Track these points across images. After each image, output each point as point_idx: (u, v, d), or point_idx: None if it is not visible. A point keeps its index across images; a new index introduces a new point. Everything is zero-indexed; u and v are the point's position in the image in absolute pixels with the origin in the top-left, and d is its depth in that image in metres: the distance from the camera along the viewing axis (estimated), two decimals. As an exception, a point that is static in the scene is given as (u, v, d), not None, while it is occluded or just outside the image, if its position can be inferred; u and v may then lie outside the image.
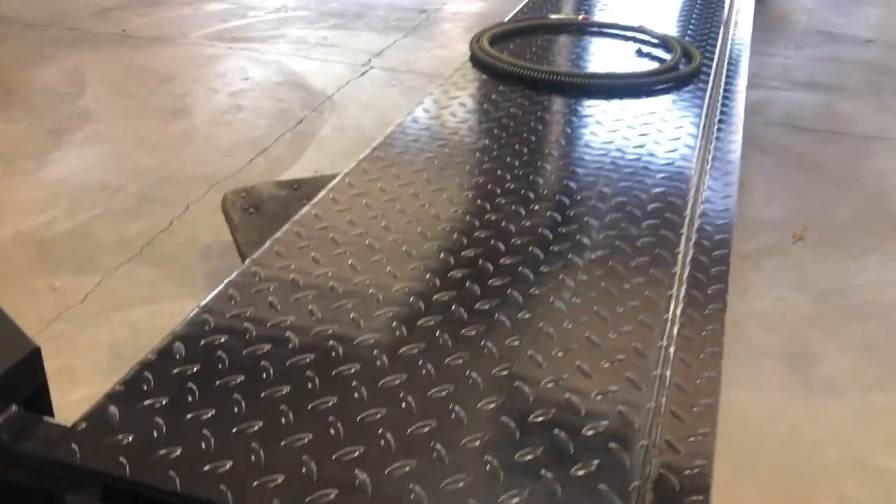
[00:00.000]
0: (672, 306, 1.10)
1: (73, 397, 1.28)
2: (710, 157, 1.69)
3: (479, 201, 1.31)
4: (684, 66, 1.94)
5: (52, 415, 0.87)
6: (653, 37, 2.11)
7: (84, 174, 2.03)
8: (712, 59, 2.06)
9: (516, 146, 1.52)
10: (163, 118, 2.37)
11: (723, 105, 2.04)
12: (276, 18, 3.44)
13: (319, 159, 2.16)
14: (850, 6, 3.95)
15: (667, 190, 1.39)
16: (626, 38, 2.16)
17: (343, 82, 2.72)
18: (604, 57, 2.04)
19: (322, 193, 1.32)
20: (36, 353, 0.86)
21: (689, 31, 2.29)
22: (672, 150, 1.56)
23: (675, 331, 1.17)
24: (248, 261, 1.14)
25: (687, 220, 1.31)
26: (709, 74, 1.97)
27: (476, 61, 1.95)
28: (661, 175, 1.44)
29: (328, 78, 2.76)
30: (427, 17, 3.54)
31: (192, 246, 1.72)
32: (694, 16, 2.48)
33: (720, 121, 2.09)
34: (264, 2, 3.69)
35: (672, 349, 1.07)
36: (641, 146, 1.56)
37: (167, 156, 2.14)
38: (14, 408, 0.83)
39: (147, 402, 0.83)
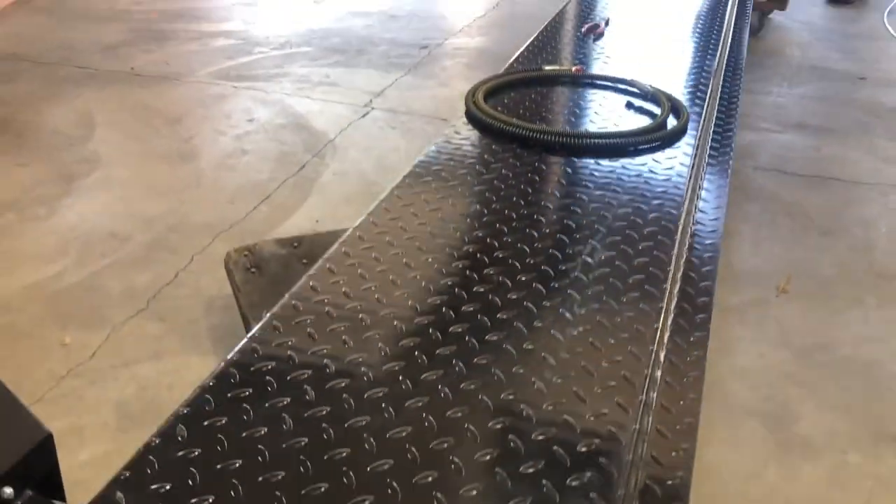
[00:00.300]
0: (647, 385, 1.16)
1: (81, 457, 1.35)
2: (693, 218, 1.75)
3: (468, 272, 1.37)
4: (672, 123, 2.01)
5: (63, 497, 0.93)
6: (643, 90, 2.17)
7: (93, 222, 2.10)
8: (701, 113, 2.12)
9: (506, 211, 1.58)
10: (170, 162, 2.45)
11: (710, 159, 2.10)
12: (280, 55, 3.52)
13: (321, 206, 2.23)
14: (845, 40, 4.01)
15: (650, 261, 1.45)
16: (618, 91, 2.23)
17: (345, 124, 2.79)
18: (595, 112, 2.10)
19: (319, 263, 1.38)
20: (49, 439, 0.92)
21: (680, 82, 2.36)
22: (656, 214, 1.62)
23: (654, 397, 1.24)
24: (247, 337, 1.20)
25: (667, 293, 1.36)
26: (697, 129, 2.03)
27: (470, 117, 2.02)
28: (645, 245, 1.50)
29: (330, 119, 2.83)
30: (428, 52, 3.62)
31: (196, 299, 1.78)
32: (685, 64, 2.54)
33: (709, 172, 2.16)
34: (269, 37, 3.77)
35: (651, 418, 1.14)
36: (627, 210, 1.63)
37: (174, 202, 2.21)
38: (28, 492, 0.89)
39: (151, 488, 0.90)
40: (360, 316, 1.24)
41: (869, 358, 1.70)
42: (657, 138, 1.91)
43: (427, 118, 2.88)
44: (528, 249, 1.45)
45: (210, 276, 1.86)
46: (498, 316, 1.26)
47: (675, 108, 2.10)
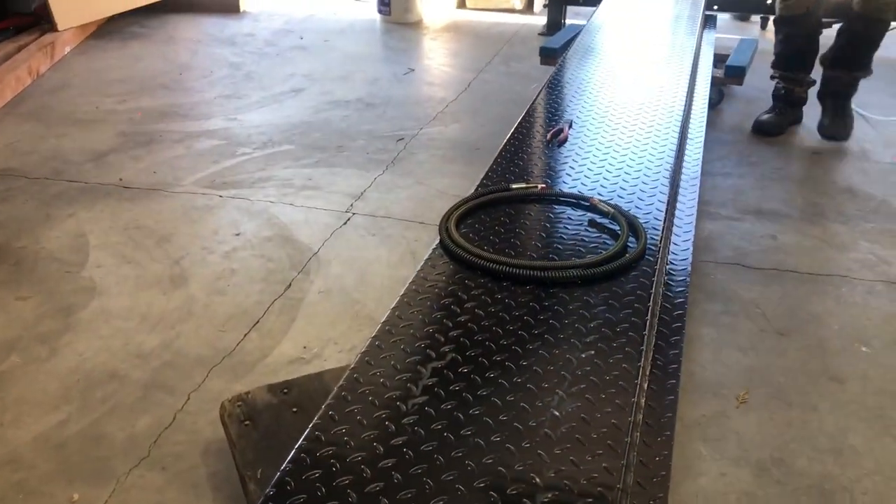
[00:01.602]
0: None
1: None
2: (655, 333, 1.88)
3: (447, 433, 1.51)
4: (631, 248, 2.15)
5: None
6: (602, 211, 2.33)
7: (93, 361, 2.22)
8: (659, 232, 2.27)
9: (480, 358, 1.72)
10: (162, 288, 2.57)
11: (667, 276, 2.24)
12: (263, 156, 3.68)
13: (308, 331, 2.36)
14: (808, 108, 4.17)
15: (612, 411, 1.59)
16: (579, 207, 2.39)
17: (327, 234, 2.93)
18: (561, 235, 2.25)
19: (307, 434, 1.51)
20: None
21: (639, 190, 2.51)
22: (618, 357, 1.76)
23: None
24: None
25: (627, 445, 1.50)
26: (656, 251, 2.18)
27: (444, 248, 2.17)
28: (608, 392, 1.63)
29: (313, 229, 2.97)
30: (404, 145, 3.78)
31: (194, 444, 1.90)
32: (644, 168, 2.69)
33: (669, 281, 2.29)
34: (251, 135, 3.93)
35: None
36: (590, 350, 1.77)
37: (168, 334, 2.34)
38: None
39: None
40: (349, 492, 1.37)
41: (822, 471, 1.84)
42: (616, 267, 2.06)
43: (406, 222, 3.02)
44: (491, 422, 1.58)
45: (205, 418, 1.99)
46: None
47: (633, 227, 2.25)
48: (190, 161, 3.63)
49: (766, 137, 3.92)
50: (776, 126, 4.00)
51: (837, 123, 3.85)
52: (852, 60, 3.76)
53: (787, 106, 4.02)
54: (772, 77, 4.07)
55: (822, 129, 3.90)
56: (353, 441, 1.49)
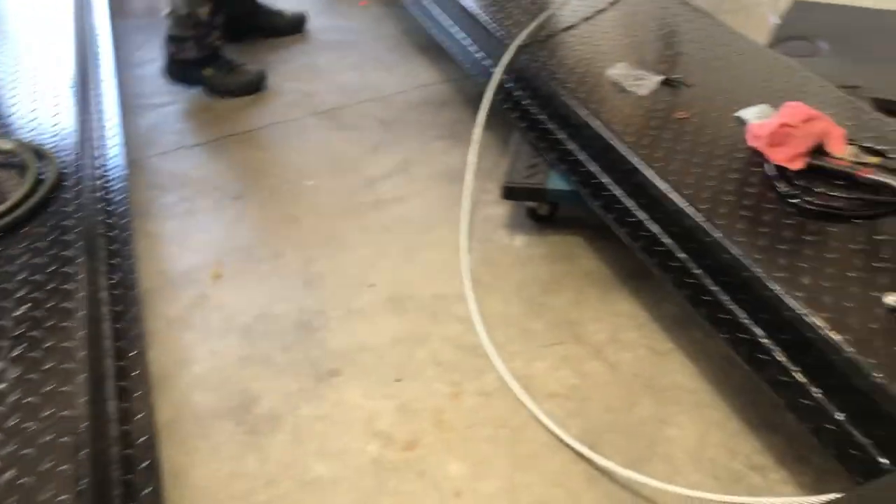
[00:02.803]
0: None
1: None
2: (106, 284, 1.82)
3: None
4: (44, 179, 2.00)
5: None
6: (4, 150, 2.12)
7: None
8: (74, 150, 2.14)
9: None
10: None
11: (105, 196, 2.15)
12: None
13: None
14: None
15: (63, 356, 1.52)
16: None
17: None
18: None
19: None
20: None
21: (40, 122, 2.31)
22: (58, 298, 1.67)
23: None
24: None
25: (87, 379, 1.46)
26: (75, 171, 2.06)
27: None
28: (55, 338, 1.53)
29: None
30: None
31: None
32: (43, 98, 2.45)
33: (107, 210, 2.19)
34: None
35: None
36: (26, 305, 1.65)
37: None
38: None
39: None
40: None
41: (298, 306, 2.02)
42: (30, 208, 1.91)
43: None
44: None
45: None
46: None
47: (41, 156, 2.10)
48: None
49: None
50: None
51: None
52: None
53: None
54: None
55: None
56: None
